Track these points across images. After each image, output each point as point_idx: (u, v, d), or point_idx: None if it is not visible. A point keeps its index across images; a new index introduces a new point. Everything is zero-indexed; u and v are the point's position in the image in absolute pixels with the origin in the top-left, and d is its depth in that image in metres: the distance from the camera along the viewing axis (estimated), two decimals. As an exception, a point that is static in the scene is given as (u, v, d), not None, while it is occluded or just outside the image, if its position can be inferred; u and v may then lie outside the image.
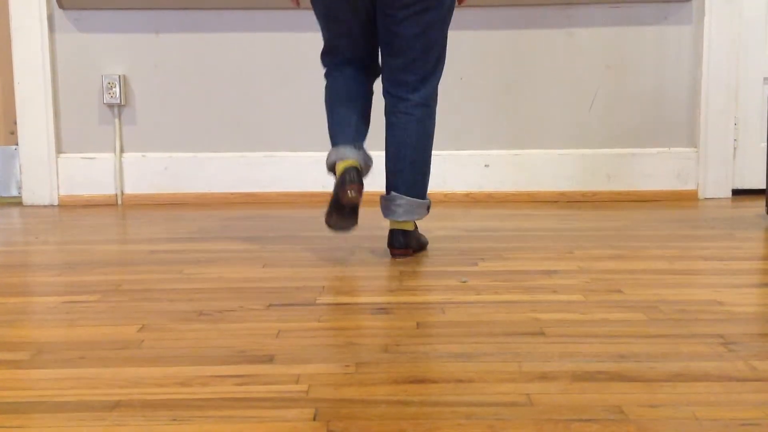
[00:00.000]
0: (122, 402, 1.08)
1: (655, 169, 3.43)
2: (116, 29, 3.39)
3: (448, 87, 3.40)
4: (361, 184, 1.98)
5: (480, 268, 1.96)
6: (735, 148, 3.47)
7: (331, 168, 2.05)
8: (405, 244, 2.09)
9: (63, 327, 1.46)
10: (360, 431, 0.98)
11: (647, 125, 3.43)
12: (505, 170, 3.44)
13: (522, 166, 3.44)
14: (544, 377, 1.16)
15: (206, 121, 3.45)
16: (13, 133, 3.65)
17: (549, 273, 1.89)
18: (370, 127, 2.20)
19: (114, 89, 3.39)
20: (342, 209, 1.99)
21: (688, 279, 1.81)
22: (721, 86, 3.38)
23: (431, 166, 3.42)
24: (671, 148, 3.43)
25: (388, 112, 2.11)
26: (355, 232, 2.51)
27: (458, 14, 3.37)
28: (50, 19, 3.38)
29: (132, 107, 3.44)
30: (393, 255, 2.11)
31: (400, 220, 2.08)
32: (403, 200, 2.07)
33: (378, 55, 2.14)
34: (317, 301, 1.64)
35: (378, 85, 2.20)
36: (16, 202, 3.53)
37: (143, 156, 3.45)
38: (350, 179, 1.95)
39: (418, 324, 1.46)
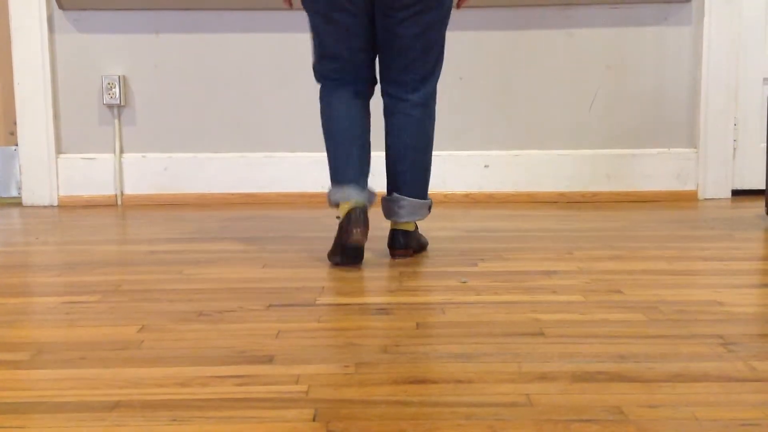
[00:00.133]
0: (122, 402, 1.08)
1: (655, 169, 3.43)
2: (116, 30, 3.39)
3: (448, 87, 3.40)
4: (367, 226, 1.95)
5: (480, 268, 1.96)
6: (735, 149, 3.47)
7: (335, 204, 2.01)
8: (405, 245, 2.09)
9: (63, 327, 1.46)
10: (360, 431, 0.98)
11: (647, 126, 3.43)
12: (505, 171, 3.44)
13: (522, 167, 3.44)
14: (543, 377, 1.16)
15: (206, 121, 3.45)
16: (13, 133, 3.65)
17: (549, 273, 1.89)
18: (372, 127, 2.19)
19: (114, 90, 3.39)
20: (347, 250, 1.99)
21: (687, 279, 1.81)
22: (720, 87, 3.38)
23: (431, 166, 3.44)
24: (671, 149, 3.44)
25: (388, 113, 2.10)
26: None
27: (458, 15, 3.37)
28: (50, 19, 3.38)
29: (132, 108, 3.44)
30: (393, 255, 2.11)
31: (402, 221, 2.08)
32: (405, 201, 2.07)
33: (375, 63, 2.10)
34: (317, 302, 1.64)
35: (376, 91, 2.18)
36: (16, 203, 3.53)
37: (143, 156, 3.45)
38: (356, 221, 1.93)
39: (417, 324, 1.46)
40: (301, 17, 3.38)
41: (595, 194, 3.43)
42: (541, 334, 1.38)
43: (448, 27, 3.36)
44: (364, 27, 2.00)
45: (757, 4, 3.42)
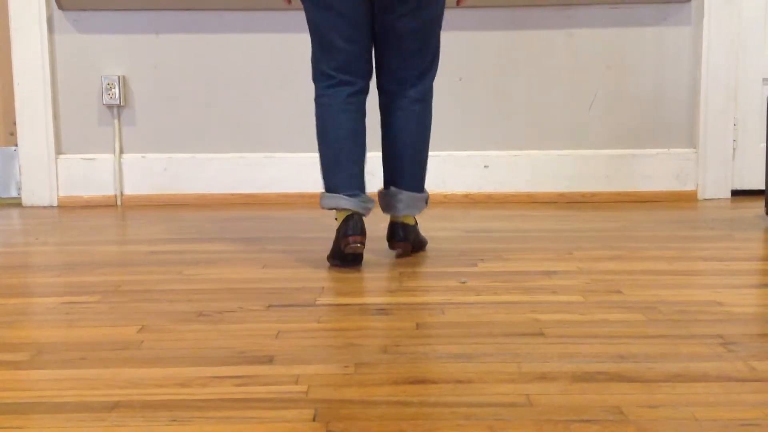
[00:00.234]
0: (122, 403, 1.08)
1: (655, 169, 3.43)
2: (116, 30, 3.39)
3: (448, 88, 3.40)
4: (364, 234, 1.95)
5: (479, 268, 1.96)
6: (734, 149, 3.47)
7: (327, 209, 2.00)
8: (405, 238, 2.10)
9: (63, 328, 1.46)
10: (359, 431, 0.98)
11: (647, 126, 3.43)
12: (505, 171, 3.44)
13: (521, 167, 3.44)
14: (543, 378, 1.16)
15: (206, 122, 3.45)
16: (13, 134, 3.65)
17: (548, 274, 1.89)
18: (368, 127, 2.18)
19: (113, 90, 3.39)
20: (345, 257, 1.99)
21: (687, 280, 1.81)
22: (720, 87, 3.38)
23: (431, 166, 3.45)
24: (671, 149, 3.44)
25: (386, 109, 2.10)
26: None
27: (458, 15, 3.37)
28: (50, 20, 3.38)
29: (131, 108, 3.44)
30: (392, 248, 2.11)
31: (401, 215, 2.09)
32: (403, 195, 2.07)
33: (372, 57, 2.09)
34: (317, 302, 1.64)
35: (372, 82, 2.16)
36: (16, 203, 3.53)
37: (143, 157, 3.45)
38: (353, 230, 1.93)
39: (417, 325, 1.46)
40: (301, 17, 3.38)
41: (594, 194, 3.43)
42: (541, 334, 1.38)
43: (448, 27, 3.37)
44: (361, 17, 1.98)
45: (756, 4, 3.42)
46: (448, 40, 3.37)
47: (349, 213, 1.95)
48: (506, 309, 1.56)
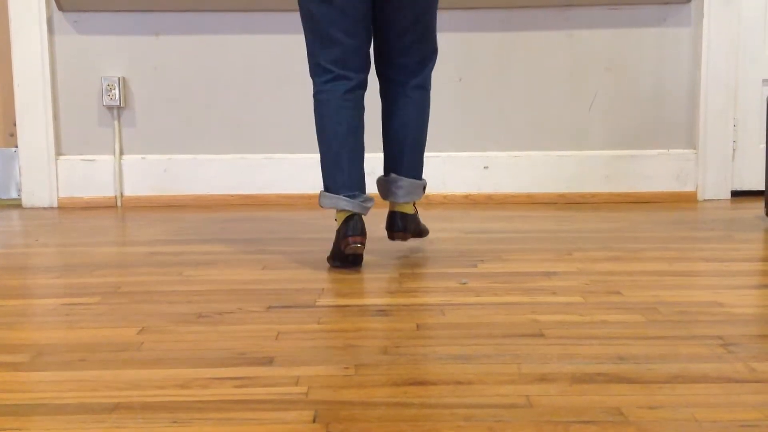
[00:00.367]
0: (122, 404, 1.08)
1: (655, 170, 3.43)
2: (116, 31, 3.39)
3: (448, 88, 3.40)
4: (364, 235, 1.94)
5: (479, 269, 1.96)
6: (734, 150, 3.48)
7: (328, 208, 2.00)
8: (404, 227, 2.11)
9: (63, 329, 1.46)
10: (360, 433, 0.98)
11: (646, 127, 3.43)
12: (505, 172, 3.44)
13: (521, 168, 3.44)
14: (543, 379, 1.16)
15: (205, 123, 3.45)
16: (13, 135, 3.65)
17: (548, 274, 1.89)
18: (367, 128, 2.19)
19: (113, 91, 3.39)
20: (345, 258, 1.99)
21: (687, 280, 1.81)
22: (720, 88, 3.38)
23: (430, 167, 3.45)
24: (670, 150, 3.44)
25: (387, 96, 2.11)
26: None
27: (458, 15, 3.37)
28: (50, 21, 3.39)
29: (131, 109, 3.44)
30: (391, 238, 2.13)
31: (401, 201, 2.09)
32: (403, 182, 2.09)
33: (370, 50, 2.08)
34: (317, 303, 1.64)
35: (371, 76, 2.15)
36: (16, 204, 3.54)
37: (143, 158, 3.45)
38: (353, 231, 1.93)
39: (417, 326, 1.46)
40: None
41: (594, 195, 3.43)
42: (541, 335, 1.39)
43: (449, 28, 3.37)
44: (361, 11, 1.96)
45: (756, 5, 3.42)
46: (449, 40, 3.37)
47: (349, 214, 1.95)
48: (506, 310, 1.56)
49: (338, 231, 1.96)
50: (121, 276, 1.94)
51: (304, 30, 2.04)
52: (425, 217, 2.93)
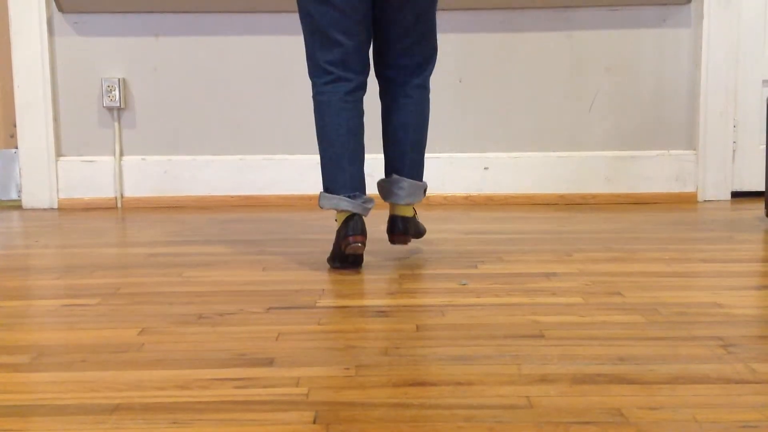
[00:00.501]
0: (122, 405, 1.08)
1: (655, 171, 3.43)
2: (116, 32, 3.40)
3: (448, 89, 3.41)
4: (365, 235, 1.94)
5: (479, 270, 1.96)
6: (734, 151, 3.48)
7: (326, 208, 1.99)
8: (405, 231, 2.10)
9: (63, 330, 1.46)
10: (360, 434, 0.98)
11: (646, 128, 3.44)
12: (505, 173, 3.44)
13: (521, 169, 3.44)
14: (543, 380, 1.16)
15: (205, 124, 3.45)
16: (13, 136, 3.65)
17: (548, 275, 1.89)
18: (367, 129, 2.18)
19: (113, 92, 3.39)
20: (346, 258, 1.99)
21: (687, 281, 1.81)
22: (720, 88, 3.38)
23: (430, 168, 3.45)
24: (670, 151, 3.44)
25: (387, 96, 2.10)
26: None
27: (458, 16, 3.37)
28: (50, 22, 3.39)
29: (131, 110, 3.44)
30: (392, 242, 2.12)
31: (402, 203, 2.08)
32: (405, 182, 2.08)
33: (369, 51, 2.07)
34: (317, 304, 1.64)
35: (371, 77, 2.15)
36: (16, 206, 3.54)
37: (143, 159, 3.45)
38: (353, 230, 1.93)
39: (417, 327, 1.46)
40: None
41: (594, 196, 3.43)
42: (541, 336, 1.39)
43: (449, 29, 3.37)
44: (361, 12, 1.96)
45: (755, 5, 3.43)
46: (449, 41, 3.37)
47: (350, 214, 1.95)
48: (506, 311, 1.56)
49: (338, 231, 1.96)
50: (121, 277, 1.94)
51: (303, 30, 2.03)
52: (425, 218, 2.93)
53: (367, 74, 2.06)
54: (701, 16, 3.36)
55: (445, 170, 3.43)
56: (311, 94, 2.06)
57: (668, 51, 3.39)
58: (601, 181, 3.43)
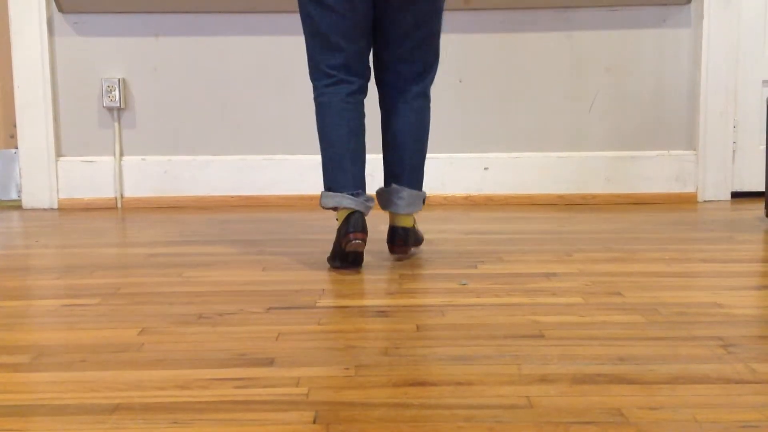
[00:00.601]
0: (122, 405, 1.08)
1: (655, 171, 3.43)
2: (116, 33, 3.40)
3: (448, 89, 3.40)
4: (365, 232, 1.94)
5: (479, 270, 1.96)
6: (734, 151, 3.48)
7: (333, 209, 1.99)
8: (405, 241, 2.10)
9: (63, 330, 1.46)
10: (360, 434, 0.98)
11: (646, 128, 3.44)
12: (504, 173, 3.44)
13: (521, 169, 3.44)
14: (543, 380, 1.16)
15: (206, 124, 3.45)
16: (13, 136, 3.65)
17: (548, 276, 1.89)
18: (367, 130, 2.18)
19: (113, 93, 3.39)
20: (346, 256, 1.99)
21: (687, 281, 1.81)
22: (720, 89, 3.38)
23: (430, 168, 3.45)
24: (670, 151, 3.44)
25: (388, 104, 2.09)
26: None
27: (458, 17, 3.37)
28: (50, 22, 3.39)
29: (132, 110, 3.44)
30: (393, 252, 2.11)
31: (402, 212, 2.08)
32: (404, 192, 2.07)
33: (369, 56, 2.08)
34: (317, 304, 1.64)
35: (371, 84, 2.16)
36: (16, 206, 3.54)
37: (143, 159, 3.45)
38: (354, 227, 1.92)
39: (417, 327, 1.46)
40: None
41: (594, 196, 3.43)
42: (541, 336, 1.39)
43: (449, 29, 3.37)
44: (362, 17, 1.97)
45: (755, 5, 3.43)
46: (449, 41, 3.37)
47: (351, 211, 1.95)
48: (506, 311, 1.56)
49: (339, 229, 1.96)
50: (121, 277, 1.94)
51: (304, 33, 2.03)
52: (425, 219, 2.93)
53: (368, 78, 2.06)
54: (701, 16, 3.36)
55: (445, 170, 3.43)
56: (312, 96, 2.06)
57: (668, 51, 3.39)
58: (601, 181, 3.43)
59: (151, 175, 3.45)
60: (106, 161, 3.45)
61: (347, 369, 1.22)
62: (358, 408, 1.06)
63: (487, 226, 2.75)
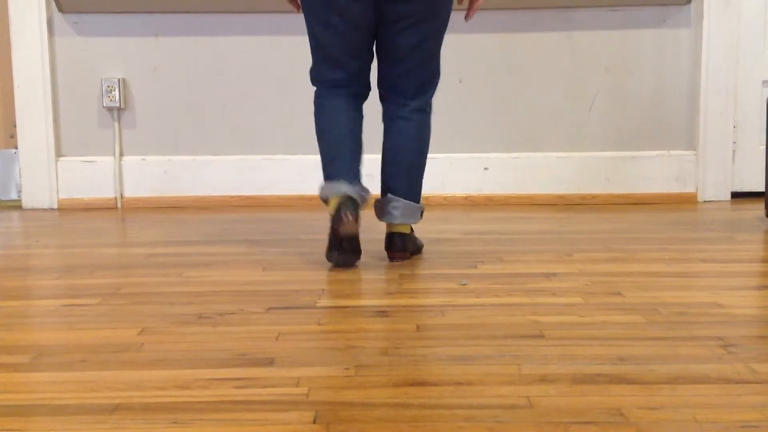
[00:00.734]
0: (122, 405, 1.08)
1: (654, 171, 3.43)
2: (116, 33, 3.40)
3: (447, 89, 3.41)
4: (358, 215, 1.95)
5: (479, 270, 1.96)
6: (734, 151, 3.48)
7: (326, 201, 2.01)
8: (403, 247, 2.10)
9: (63, 330, 1.46)
10: (360, 434, 0.98)
11: (646, 128, 3.44)
12: (504, 173, 3.44)
13: (521, 169, 3.44)
14: (543, 380, 1.16)
15: (206, 124, 3.45)
16: (13, 136, 3.65)
17: (548, 276, 1.89)
18: (367, 130, 2.19)
19: (113, 93, 3.39)
20: (341, 243, 1.99)
21: (687, 281, 1.81)
22: (720, 89, 3.38)
23: (431, 168, 3.45)
24: (670, 151, 3.44)
25: (387, 118, 2.12)
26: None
27: (458, 17, 3.37)
28: (50, 22, 3.39)
29: (131, 111, 3.44)
30: (391, 258, 2.11)
31: (396, 222, 2.09)
32: (399, 203, 2.08)
33: (371, 70, 2.12)
34: (317, 304, 1.64)
35: (374, 91, 2.18)
36: (16, 206, 3.54)
37: (143, 159, 3.45)
38: (345, 209, 1.93)
39: (417, 327, 1.46)
40: (300, 19, 3.38)
41: (594, 196, 3.43)
42: (541, 336, 1.39)
43: (449, 30, 3.37)
44: (363, 35, 2.02)
45: (755, 5, 3.43)
46: (449, 42, 3.37)
47: (343, 199, 1.95)
48: (506, 311, 1.56)
49: (332, 215, 1.96)
50: (121, 277, 1.94)
51: (309, 42, 2.10)
52: (425, 219, 2.93)
53: (368, 88, 2.13)
54: (701, 16, 3.36)
55: (445, 170, 3.43)
56: (312, 98, 2.09)
57: (668, 51, 3.39)
58: (601, 181, 3.43)
59: (151, 175, 3.45)
60: (106, 161, 3.45)
61: (347, 369, 1.22)
62: (358, 408, 1.06)
63: (487, 226, 2.75)
